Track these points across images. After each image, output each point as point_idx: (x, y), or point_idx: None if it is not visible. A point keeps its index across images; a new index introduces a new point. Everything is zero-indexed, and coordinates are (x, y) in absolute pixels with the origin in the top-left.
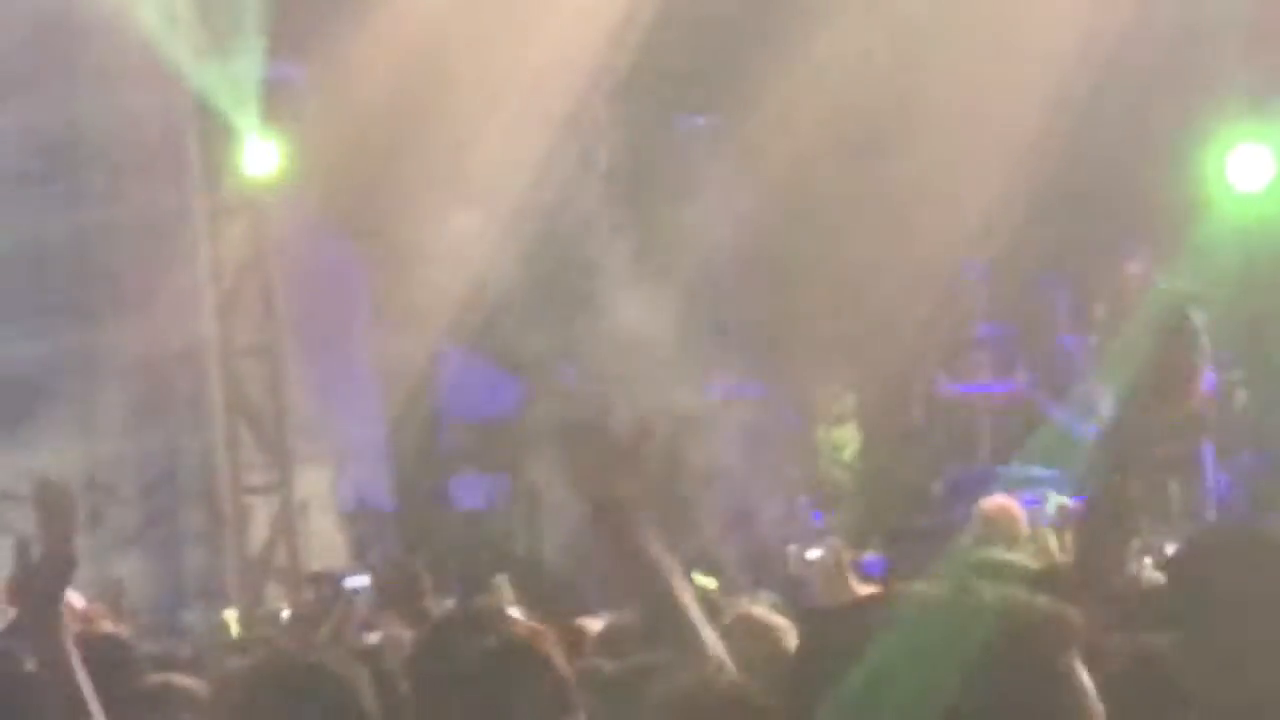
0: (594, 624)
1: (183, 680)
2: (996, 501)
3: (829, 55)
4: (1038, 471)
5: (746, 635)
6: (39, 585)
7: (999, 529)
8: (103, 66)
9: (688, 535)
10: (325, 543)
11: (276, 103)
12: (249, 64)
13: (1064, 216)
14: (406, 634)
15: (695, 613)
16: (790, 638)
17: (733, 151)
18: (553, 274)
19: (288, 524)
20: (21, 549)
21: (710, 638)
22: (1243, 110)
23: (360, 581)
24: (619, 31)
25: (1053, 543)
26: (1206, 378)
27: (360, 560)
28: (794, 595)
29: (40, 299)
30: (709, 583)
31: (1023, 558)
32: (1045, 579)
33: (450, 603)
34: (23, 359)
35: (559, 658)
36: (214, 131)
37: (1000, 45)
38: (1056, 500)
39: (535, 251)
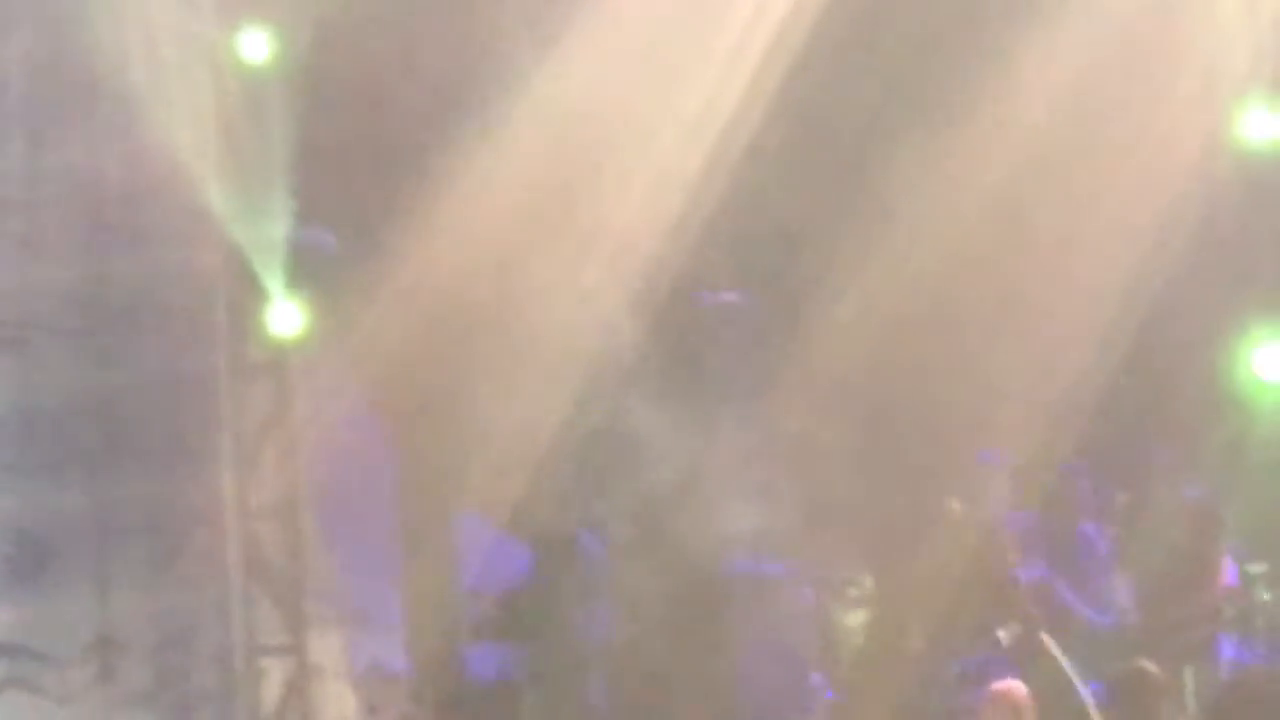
0: None
1: None
2: (1006, 685)
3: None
4: None
5: None
6: None
7: (1007, 713)
8: (135, 224)
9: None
10: (338, 706)
11: (304, 266)
12: (278, 226)
13: (1089, 405)
14: None
15: None
16: None
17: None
18: (580, 445)
19: (301, 686)
20: None
21: None
22: (1272, 306)
23: None
24: (668, 205)
25: None
26: (1228, 570)
27: None
28: None
29: (60, 453)
30: None
31: None
32: None
33: None
34: (40, 512)
35: None
36: (241, 292)
37: (1033, 243)
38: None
39: (560, 421)
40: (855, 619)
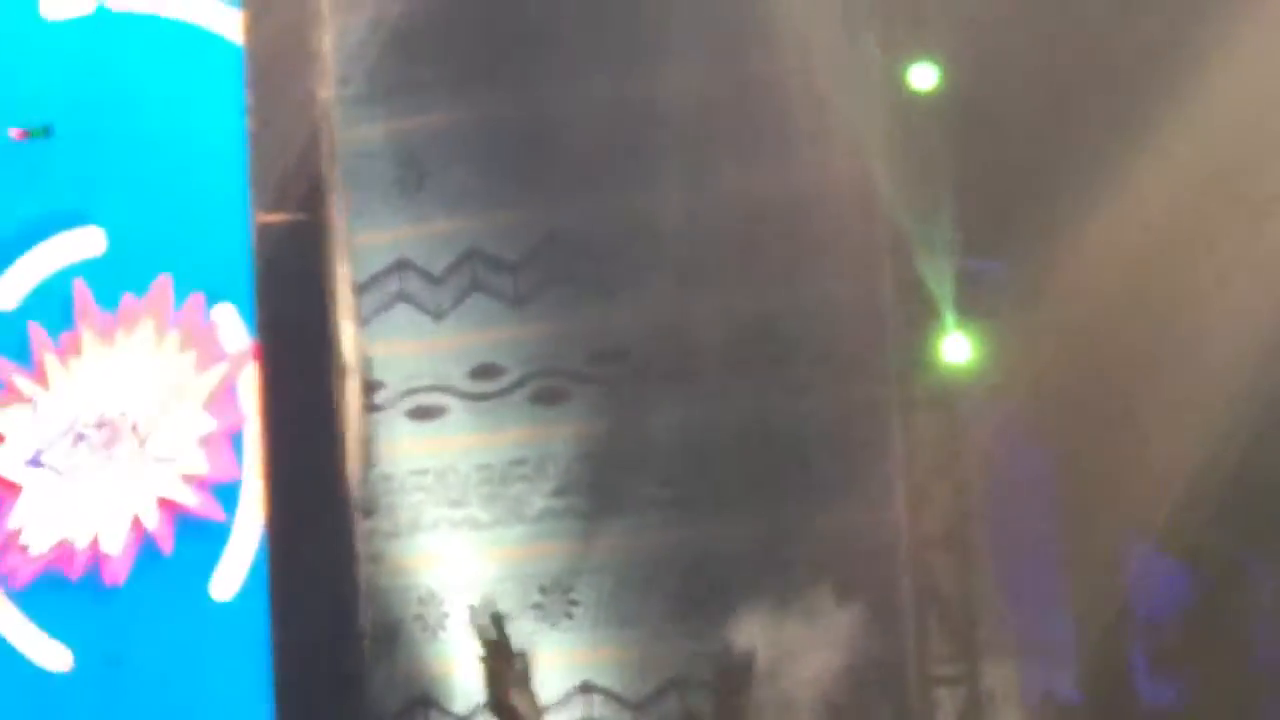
0: None
1: None
2: None
3: None
4: None
5: None
6: None
7: None
8: (798, 256)
9: None
10: None
11: (972, 297)
12: (945, 257)
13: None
14: None
15: None
16: None
17: None
18: (1245, 469)
19: (974, 716)
20: None
21: None
22: None
23: None
24: None
25: None
26: None
27: None
28: None
29: (732, 485)
30: None
31: None
32: None
33: None
34: (714, 544)
35: None
36: (911, 323)
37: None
38: None
39: (1234, 453)
40: None
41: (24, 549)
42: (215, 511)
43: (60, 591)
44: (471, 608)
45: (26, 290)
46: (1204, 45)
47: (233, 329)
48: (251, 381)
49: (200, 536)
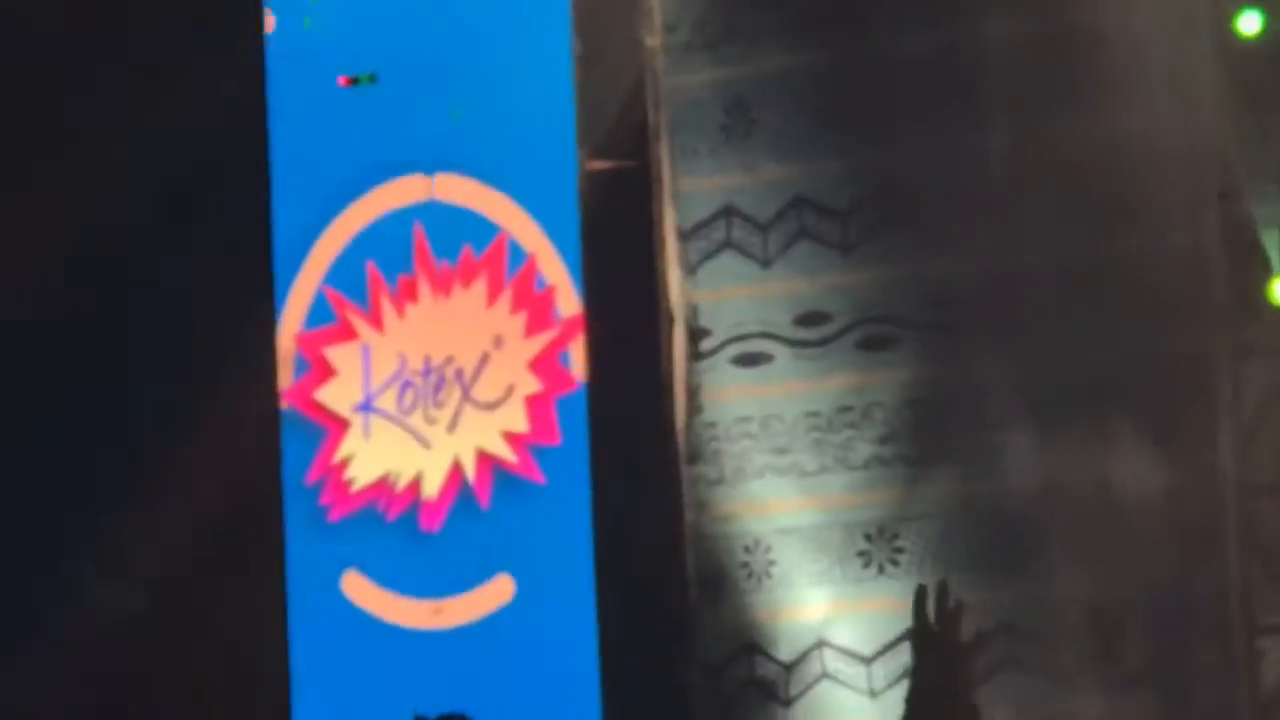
0: None
1: None
2: None
3: None
4: None
5: None
6: None
7: None
8: (1123, 206)
9: None
10: None
11: None
12: (1274, 201)
13: None
14: None
15: None
16: None
17: None
18: None
19: None
20: None
21: None
22: None
23: None
24: None
25: None
26: None
27: None
28: None
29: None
30: None
31: None
32: None
33: None
34: (1040, 489)
35: None
36: (1241, 270)
37: None
38: None
39: None
40: None
41: (346, 484)
42: (534, 473)
43: (376, 530)
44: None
45: (359, 229)
46: None
47: (565, 295)
48: (580, 347)
49: (518, 495)
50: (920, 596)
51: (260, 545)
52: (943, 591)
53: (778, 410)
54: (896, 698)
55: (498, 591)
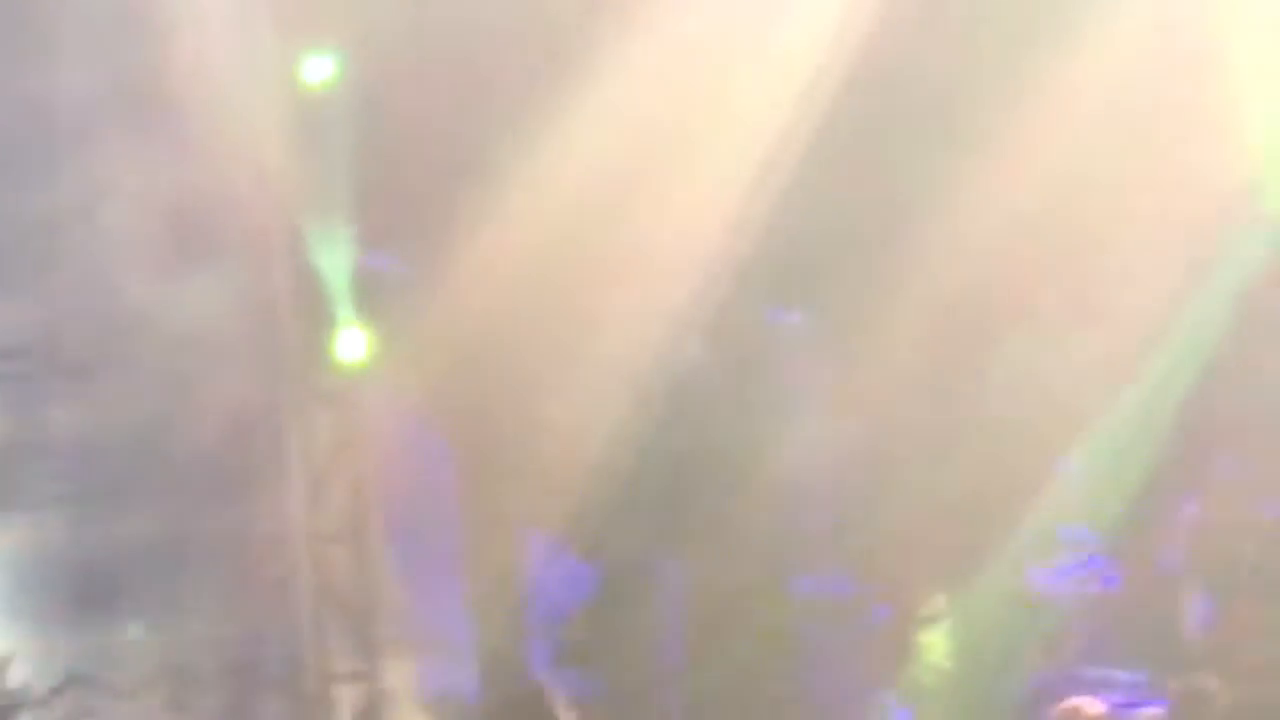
0: None
1: None
2: (1073, 704)
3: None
4: (1124, 675)
5: None
6: None
7: None
8: (198, 250)
9: None
10: None
11: (369, 292)
12: (343, 252)
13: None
14: None
15: None
16: None
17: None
18: (646, 466)
19: (373, 713)
20: None
21: None
22: None
23: None
24: (725, 227)
25: None
26: None
27: None
28: None
29: (128, 482)
30: None
31: None
32: None
33: None
34: (110, 540)
35: None
36: (308, 319)
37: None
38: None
39: (629, 442)
40: (929, 637)
41: None
42: None
43: None
44: None
45: None
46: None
47: None
48: None
49: None
50: None
51: None
52: None
53: None
54: None
55: None
